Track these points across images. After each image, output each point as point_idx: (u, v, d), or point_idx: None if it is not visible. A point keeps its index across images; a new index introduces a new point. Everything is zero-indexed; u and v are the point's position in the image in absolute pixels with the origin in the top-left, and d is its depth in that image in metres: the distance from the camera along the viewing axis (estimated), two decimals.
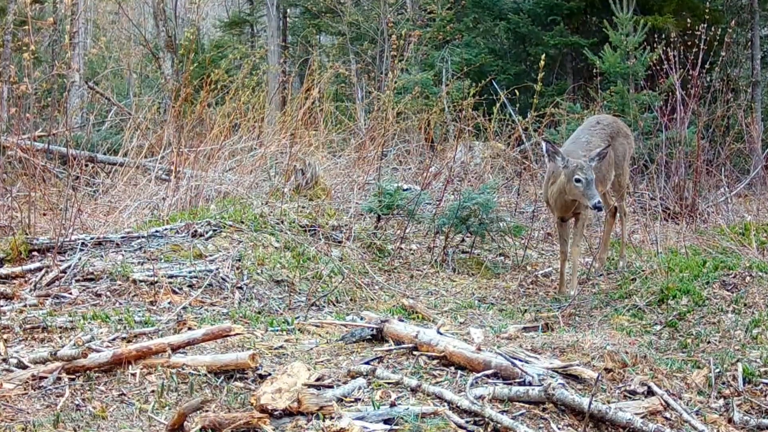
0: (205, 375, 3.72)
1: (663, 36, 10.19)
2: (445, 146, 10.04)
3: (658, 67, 9.80)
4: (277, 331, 4.65)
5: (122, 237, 5.87)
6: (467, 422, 3.31)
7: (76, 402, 3.51)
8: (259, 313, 5.09)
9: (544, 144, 5.69)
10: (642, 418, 3.44)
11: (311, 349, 4.30)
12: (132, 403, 3.52)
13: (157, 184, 7.96)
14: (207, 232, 5.99)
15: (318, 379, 3.67)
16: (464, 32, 12.84)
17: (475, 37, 12.81)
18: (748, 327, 4.68)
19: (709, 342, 4.59)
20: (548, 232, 7.99)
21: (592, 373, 3.76)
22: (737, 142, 10.13)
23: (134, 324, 4.53)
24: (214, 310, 5.00)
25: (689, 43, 9.43)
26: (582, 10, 12.32)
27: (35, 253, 5.55)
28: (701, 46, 9.19)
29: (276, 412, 3.31)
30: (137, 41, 16.49)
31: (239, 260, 5.65)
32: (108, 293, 5.02)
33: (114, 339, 4.21)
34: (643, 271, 5.92)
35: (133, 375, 3.71)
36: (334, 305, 5.49)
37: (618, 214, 6.69)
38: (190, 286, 5.25)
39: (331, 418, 3.26)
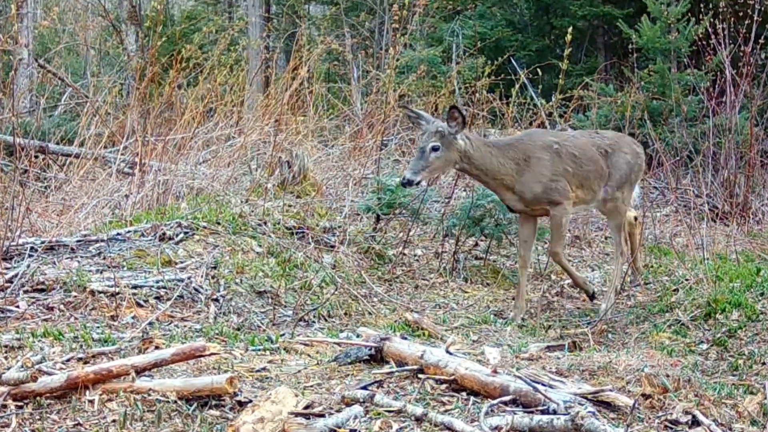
0: (175, 402, 3.72)
1: (710, 6, 10.18)
2: None
3: (704, 42, 9.80)
4: (260, 350, 4.66)
5: (78, 241, 5.86)
6: None
7: None
8: (239, 329, 5.09)
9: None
10: None
11: (299, 371, 4.31)
12: None
13: (118, 179, 7.96)
14: (177, 235, 5.99)
15: (307, 407, 3.67)
16: (478, 1, 12.84)
17: (491, 6, 12.81)
18: None
19: (764, 363, 4.59)
20: (576, 234, 8.00)
21: (627, 400, 3.76)
22: None
23: (92, 342, 4.53)
24: (185, 326, 5.00)
25: (741, 13, 9.43)
26: None
27: None
28: (755, 18, 9.18)
29: None
30: (96, 12, 16.49)
31: (215, 268, 5.65)
32: (61, 306, 5.02)
33: (68, 360, 4.21)
34: (686, 280, 5.92)
35: (91, 402, 3.71)
36: (326, 320, 5.49)
37: (636, 221, 6.58)
38: (157, 298, 5.25)
39: None
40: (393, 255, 6.82)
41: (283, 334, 5.01)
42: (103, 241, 5.85)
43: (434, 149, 5.59)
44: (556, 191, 5.86)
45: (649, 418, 3.74)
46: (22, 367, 3.95)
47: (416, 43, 11.96)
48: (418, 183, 5.72)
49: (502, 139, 6.32)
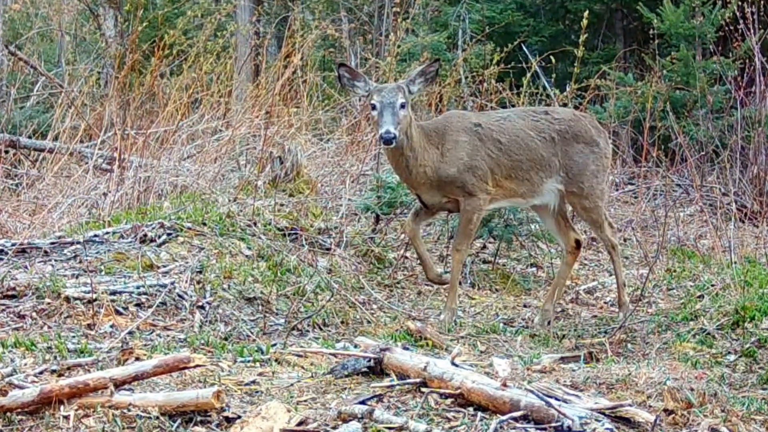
0: (158, 418, 3.72)
1: None
2: None
3: (731, 28, 9.80)
4: (249, 362, 4.66)
5: (52, 243, 5.86)
6: None
7: None
8: (226, 339, 5.09)
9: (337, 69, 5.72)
10: None
11: (292, 384, 4.31)
12: None
13: (96, 176, 7.96)
14: (159, 237, 5.99)
15: (300, 423, 3.67)
16: None
17: None
18: None
19: None
20: (592, 236, 8.00)
21: (648, 416, 3.76)
22: None
23: (67, 353, 4.53)
24: (168, 336, 5.00)
25: None
26: None
27: None
28: None
29: None
30: None
31: (200, 272, 5.65)
32: (34, 314, 5.02)
33: (41, 372, 4.21)
34: (712, 285, 5.92)
35: (66, 418, 3.71)
36: (321, 329, 5.49)
37: (579, 250, 6.12)
38: (138, 305, 5.25)
39: None
40: (394, 258, 6.82)
41: (275, 345, 5.01)
42: (79, 243, 5.85)
43: (403, 106, 5.45)
44: (474, 177, 5.65)
45: None
46: None
47: (419, 29, 11.95)
48: (397, 139, 5.41)
49: (424, 124, 5.93)
